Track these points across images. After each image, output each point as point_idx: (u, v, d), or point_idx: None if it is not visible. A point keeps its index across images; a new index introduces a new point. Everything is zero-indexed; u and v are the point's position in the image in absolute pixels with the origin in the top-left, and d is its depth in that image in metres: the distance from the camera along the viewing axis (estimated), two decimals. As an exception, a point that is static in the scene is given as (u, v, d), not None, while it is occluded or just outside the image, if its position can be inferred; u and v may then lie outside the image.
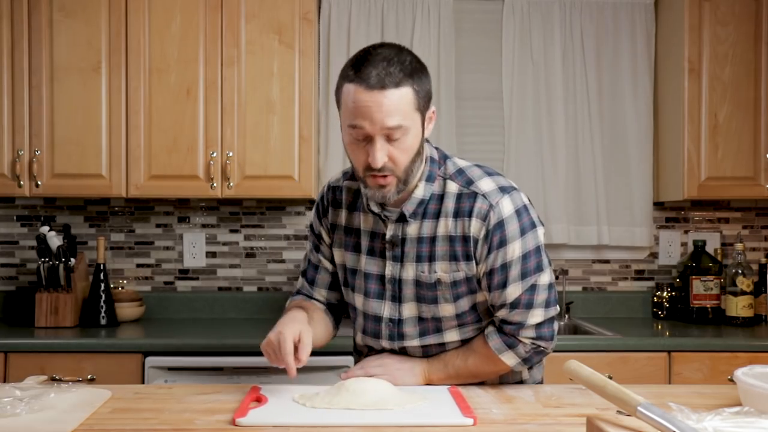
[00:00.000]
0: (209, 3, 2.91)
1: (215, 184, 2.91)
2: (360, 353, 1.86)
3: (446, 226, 1.61)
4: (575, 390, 1.57)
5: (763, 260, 3.16)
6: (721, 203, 3.35)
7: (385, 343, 1.72)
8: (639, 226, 3.28)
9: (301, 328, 1.55)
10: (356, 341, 1.85)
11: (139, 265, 3.27)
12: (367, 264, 1.69)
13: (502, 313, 1.63)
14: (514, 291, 1.59)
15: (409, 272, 1.65)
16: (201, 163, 2.91)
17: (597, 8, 3.26)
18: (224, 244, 3.28)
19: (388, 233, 1.65)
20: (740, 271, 3.02)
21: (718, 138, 3.01)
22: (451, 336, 1.69)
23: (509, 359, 1.64)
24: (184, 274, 3.28)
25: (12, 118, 2.88)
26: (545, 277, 1.62)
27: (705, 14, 3.00)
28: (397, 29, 3.20)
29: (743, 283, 3.00)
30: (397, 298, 1.68)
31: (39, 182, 2.89)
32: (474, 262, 1.61)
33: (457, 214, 1.60)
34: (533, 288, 1.60)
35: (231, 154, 2.90)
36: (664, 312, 3.21)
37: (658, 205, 3.35)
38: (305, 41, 2.94)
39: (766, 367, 1.35)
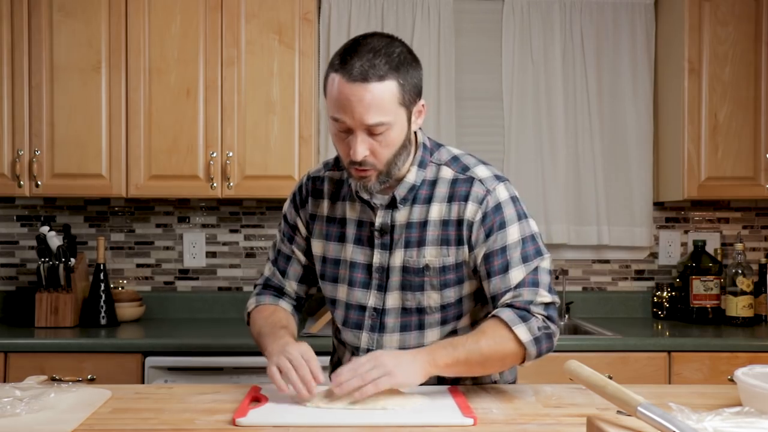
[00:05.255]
0: (209, 3, 2.91)
1: (215, 184, 2.91)
2: (336, 350, 1.84)
3: (440, 211, 1.61)
4: (575, 390, 1.57)
5: (763, 260, 3.16)
6: (721, 203, 3.35)
7: (365, 336, 1.68)
8: (639, 226, 3.28)
9: (303, 348, 1.53)
10: (335, 339, 1.84)
11: (139, 265, 3.27)
12: (354, 253, 1.67)
13: (508, 297, 1.57)
14: (517, 274, 1.57)
15: (397, 259, 1.63)
16: (201, 163, 2.91)
17: (597, 8, 3.26)
18: (224, 244, 3.28)
19: (378, 221, 1.64)
20: (740, 271, 3.02)
21: (718, 138, 3.01)
22: (432, 336, 1.66)
23: (523, 333, 1.52)
24: (184, 274, 3.28)
25: (12, 118, 2.88)
26: (546, 263, 1.61)
27: (705, 14, 3.00)
28: (397, 29, 3.20)
29: (743, 283, 3.00)
30: (383, 287, 1.65)
31: (39, 182, 2.89)
32: (466, 247, 1.60)
33: (451, 199, 1.61)
34: (536, 270, 1.59)
35: (231, 154, 2.90)
36: (664, 312, 3.21)
37: (658, 205, 3.35)
38: (305, 41, 2.94)
39: (766, 367, 1.35)
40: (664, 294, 3.21)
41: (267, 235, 3.28)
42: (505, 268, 1.57)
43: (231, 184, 2.90)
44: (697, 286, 3.08)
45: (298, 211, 1.78)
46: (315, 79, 2.98)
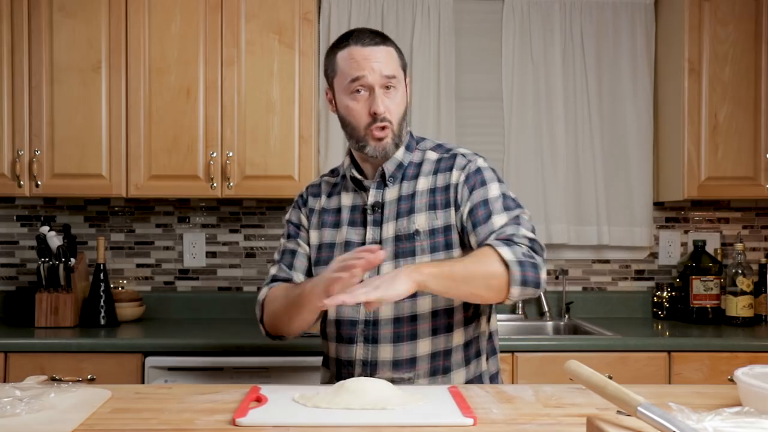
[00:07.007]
0: (209, 3, 2.91)
1: (215, 184, 2.91)
2: (328, 365, 1.85)
3: (427, 182, 1.78)
4: (575, 390, 1.57)
5: (763, 260, 3.16)
6: (721, 203, 3.35)
7: (363, 310, 1.74)
8: (639, 226, 3.28)
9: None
10: (329, 352, 1.85)
11: (139, 265, 3.27)
12: (348, 234, 1.80)
13: (491, 238, 1.66)
14: (500, 219, 1.69)
15: (390, 230, 1.76)
16: (201, 163, 2.91)
17: (597, 8, 3.27)
18: (224, 244, 3.28)
19: (370, 200, 1.79)
20: (740, 271, 3.02)
21: (718, 138, 3.01)
22: (424, 305, 1.71)
23: (507, 253, 1.59)
24: (184, 274, 3.28)
25: (12, 118, 2.88)
26: (527, 215, 1.73)
27: (705, 14, 3.00)
28: (397, 29, 3.20)
29: (743, 283, 3.00)
30: None
31: (39, 182, 2.89)
32: (453, 208, 1.74)
33: (437, 172, 1.79)
34: (518, 217, 1.70)
35: (231, 154, 2.90)
36: (664, 312, 3.21)
37: (658, 205, 3.35)
38: (305, 41, 2.94)
39: (766, 367, 1.34)
40: (664, 294, 3.21)
41: (267, 235, 3.28)
42: (489, 217, 1.69)
43: (231, 184, 2.90)
44: (697, 286, 3.08)
45: (301, 209, 1.90)
46: (315, 79, 2.98)
